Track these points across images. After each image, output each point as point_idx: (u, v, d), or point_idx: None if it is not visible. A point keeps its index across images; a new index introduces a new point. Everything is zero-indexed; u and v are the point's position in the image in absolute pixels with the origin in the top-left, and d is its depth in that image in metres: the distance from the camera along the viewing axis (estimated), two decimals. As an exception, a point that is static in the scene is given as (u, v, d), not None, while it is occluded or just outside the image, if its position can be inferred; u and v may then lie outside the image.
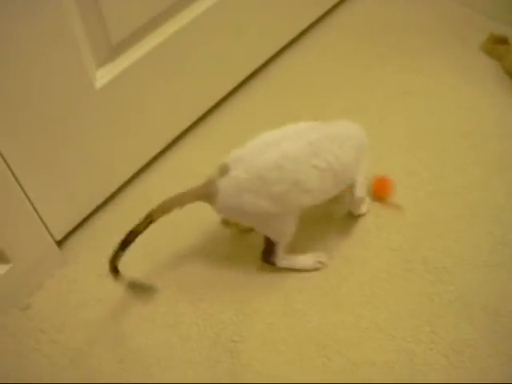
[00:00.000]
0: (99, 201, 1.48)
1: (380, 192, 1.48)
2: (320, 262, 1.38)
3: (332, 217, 1.43)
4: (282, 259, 1.35)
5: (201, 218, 1.43)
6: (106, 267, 1.30)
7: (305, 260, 1.38)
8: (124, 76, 1.32)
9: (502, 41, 1.80)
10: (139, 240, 1.20)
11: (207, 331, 1.31)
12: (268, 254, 1.34)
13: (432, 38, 1.90)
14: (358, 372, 1.24)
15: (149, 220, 1.20)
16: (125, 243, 1.20)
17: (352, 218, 1.47)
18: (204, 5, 1.44)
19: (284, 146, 1.21)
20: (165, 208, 1.21)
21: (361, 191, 1.36)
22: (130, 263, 1.24)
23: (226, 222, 1.40)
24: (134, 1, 1.25)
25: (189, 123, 1.63)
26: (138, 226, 1.20)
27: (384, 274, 1.37)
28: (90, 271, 1.41)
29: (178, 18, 1.40)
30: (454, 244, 1.41)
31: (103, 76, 1.29)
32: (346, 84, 1.69)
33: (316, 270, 1.39)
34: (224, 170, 1.20)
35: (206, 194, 1.22)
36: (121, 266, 1.22)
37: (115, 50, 1.29)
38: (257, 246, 1.38)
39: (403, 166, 1.55)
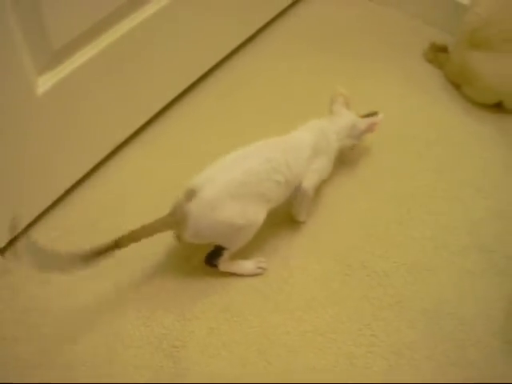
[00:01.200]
0: (42, 208, 1.47)
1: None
2: (260, 268, 1.40)
3: (272, 221, 1.43)
4: (226, 263, 1.36)
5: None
6: (48, 274, 1.31)
7: (246, 265, 1.40)
8: (66, 82, 1.32)
9: (442, 49, 1.84)
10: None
11: (149, 337, 1.31)
12: (213, 257, 1.36)
13: (377, 45, 1.94)
14: (298, 376, 1.25)
15: (115, 246, 1.22)
16: (84, 258, 1.20)
17: (292, 222, 1.48)
18: (148, 11, 1.45)
19: (246, 164, 1.31)
20: (133, 237, 1.24)
21: (309, 184, 1.39)
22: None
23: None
24: (74, 8, 1.26)
25: (134, 129, 1.63)
26: (102, 247, 1.21)
27: (324, 279, 1.39)
28: (33, 277, 1.39)
29: (121, 25, 1.40)
30: (394, 248, 1.43)
31: (45, 82, 1.29)
32: (294, 88, 1.71)
33: (256, 275, 1.40)
34: (190, 195, 1.25)
35: (175, 221, 1.27)
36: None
37: (57, 56, 1.29)
38: (196, 254, 1.40)
39: (344, 169, 1.57)
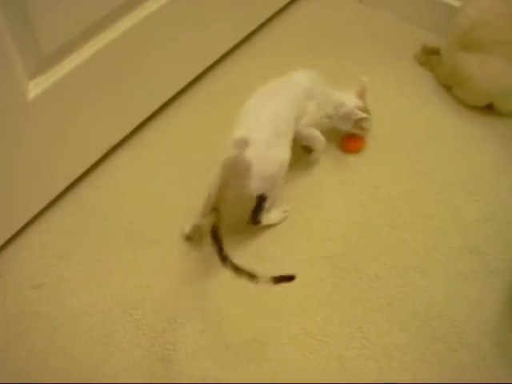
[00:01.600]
0: (33, 212, 1.47)
1: (352, 144, 1.60)
2: (285, 211, 1.47)
3: (266, 226, 1.45)
4: (265, 216, 1.42)
5: (137, 227, 1.45)
6: (41, 278, 1.33)
7: (275, 215, 1.47)
8: (57, 86, 1.32)
9: (434, 52, 1.84)
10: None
11: (140, 340, 1.31)
12: (256, 214, 1.40)
13: (367, 49, 1.95)
14: (289, 378, 1.25)
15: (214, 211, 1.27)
16: (217, 239, 1.25)
17: (284, 224, 1.49)
18: (137, 16, 1.46)
19: (270, 106, 1.40)
20: (211, 209, 1.29)
21: (306, 122, 1.48)
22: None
23: (194, 234, 1.44)
24: (64, 14, 1.26)
25: (126, 132, 1.63)
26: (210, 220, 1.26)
27: (316, 282, 1.39)
28: (25, 282, 1.40)
29: (111, 29, 1.41)
30: (385, 251, 1.44)
31: (36, 87, 1.29)
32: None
33: (285, 219, 1.47)
34: (243, 143, 1.30)
35: (236, 173, 1.30)
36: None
37: (47, 61, 1.29)
38: (187, 257, 1.42)
39: (336, 175, 1.58)
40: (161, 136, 1.68)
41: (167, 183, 1.56)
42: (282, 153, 1.37)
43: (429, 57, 1.86)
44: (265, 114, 1.38)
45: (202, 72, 1.81)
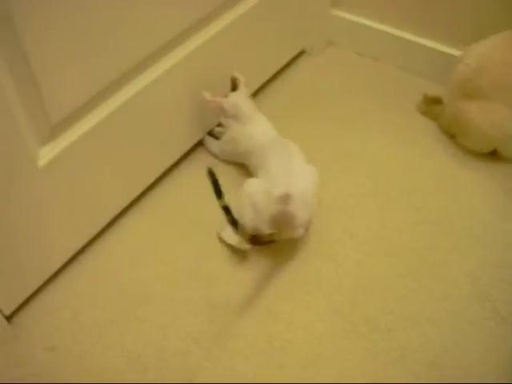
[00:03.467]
0: (48, 274, 1.48)
1: None
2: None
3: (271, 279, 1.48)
4: None
5: (150, 287, 1.47)
6: (54, 341, 1.36)
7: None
8: (67, 153, 1.34)
9: (436, 101, 1.86)
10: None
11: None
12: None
13: (369, 101, 1.97)
14: None
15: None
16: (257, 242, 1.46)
17: (292, 276, 1.51)
18: (143, 82, 1.49)
19: (296, 162, 1.55)
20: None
21: None
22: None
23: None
24: (72, 83, 1.29)
25: (135, 195, 1.66)
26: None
27: (327, 336, 1.39)
28: (39, 345, 1.40)
29: (117, 97, 1.44)
30: (395, 302, 1.44)
31: (46, 154, 1.31)
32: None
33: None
34: (287, 199, 1.43)
35: (283, 223, 1.45)
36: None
37: (57, 129, 1.32)
38: (202, 314, 1.42)
39: (344, 227, 1.59)
40: (171, 196, 1.70)
41: (179, 242, 1.58)
42: (315, 198, 1.51)
43: (431, 106, 1.88)
44: (299, 171, 1.51)
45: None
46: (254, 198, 1.48)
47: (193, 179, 1.74)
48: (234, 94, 1.68)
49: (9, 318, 1.42)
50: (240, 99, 1.67)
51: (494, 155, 1.74)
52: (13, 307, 1.43)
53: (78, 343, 1.40)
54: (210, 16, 1.63)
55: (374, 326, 1.40)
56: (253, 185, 1.52)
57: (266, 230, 1.45)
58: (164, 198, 1.70)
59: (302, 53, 2.17)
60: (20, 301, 1.44)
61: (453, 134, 1.80)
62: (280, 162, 1.53)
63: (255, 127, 1.66)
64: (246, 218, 1.47)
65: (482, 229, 1.59)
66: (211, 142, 1.80)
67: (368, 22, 2.08)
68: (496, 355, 1.35)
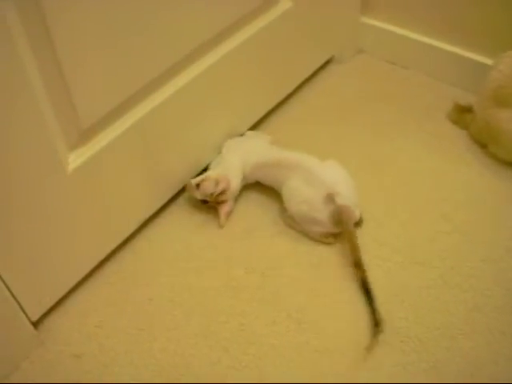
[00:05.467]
0: (75, 280, 1.48)
1: None
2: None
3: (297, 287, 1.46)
4: None
5: (178, 294, 1.45)
6: (81, 347, 1.35)
7: None
8: (96, 158, 1.34)
9: (467, 110, 1.84)
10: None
11: None
12: None
13: (399, 109, 1.96)
14: None
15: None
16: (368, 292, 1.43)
17: (324, 284, 1.50)
18: (173, 87, 1.49)
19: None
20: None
21: None
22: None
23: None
24: (101, 90, 1.29)
25: (164, 200, 1.65)
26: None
27: (357, 345, 1.37)
28: (66, 351, 1.40)
29: (147, 102, 1.44)
30: (427, 313, 1.42)
31: (75, 160, 1.31)
32: (316, 155, 1.71)
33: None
34: (332, 197, 1.48)
35: (341, 221, 1.49)
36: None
37: (86, 134, 1.32)
38: (231, 321, 1.41)
39: (374, 237, 1.57)
40: (199, 204, 1.69)
41: (208, 250, 1.57)
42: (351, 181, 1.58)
43: (462, 115, 1.86)
44: (331, 168, 1.57)
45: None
46: (302, 208, 1.54)
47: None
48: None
49: (35, 324, 1.42)
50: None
51: (526, 165, 1.71)
52: (40, 313, 1.42)
53: (105, 351, 1.39)
54: (239, 22, 1.62)
55: (405, 337, 1.38)
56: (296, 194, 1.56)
57: (331, 229, 1.53)
58: (193, 205, 1.69)
59: (331, 60, 2.16)
60: (47, 306, 1.44)
61: (484, 142, 1.77)
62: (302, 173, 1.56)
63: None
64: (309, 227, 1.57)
65: (515, 239, 1.55)
66: None
67: (398, 30, 2.06)
68: (530, 367, 1.32)
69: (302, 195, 1.53)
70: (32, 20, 1.08)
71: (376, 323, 1.37)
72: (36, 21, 1.08)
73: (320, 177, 1.52)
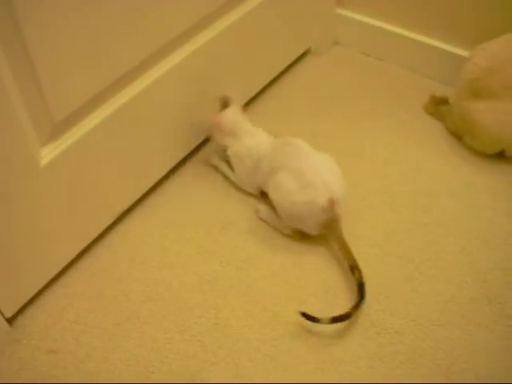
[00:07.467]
0: (50, 276, 1.47)
1: None
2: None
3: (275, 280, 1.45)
4: None
5: (153, 289, 1.45)
6: (57, 343, 1.35)
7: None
8: (69, 152, 1.33)
9: (443, 101, 1.85)
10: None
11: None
12: None
13: (375, 101, 1.96)
14: None
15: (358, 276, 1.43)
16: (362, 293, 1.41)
17: (298, 283, 1.49)
18: (147, 81, 1.48)
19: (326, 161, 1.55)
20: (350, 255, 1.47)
21: None
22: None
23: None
24: (74, 82, 1.28)
25: (138, 196, 1.65)
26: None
27: (335, 338, 1.38)
28: (42, 347, 1.39)
29: (120, 95, 1.42)
30: (403, 305, 1.42)
31: (47, 154, 1.30)
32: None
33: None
34: (332, 205, 1.45)
35: (332, 220, 1.48)
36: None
37: (59, 128, 1.30)
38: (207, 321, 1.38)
39: (351, 230, 1.55)
40: (175, 197, 1.69)
41: (182, 244, 1.56)
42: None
43: (438, 106, 1.87)
44: (318, 165, 1.51)
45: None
46: (297, 208, 1.49)
47: (196, 179, 1.74)
48: (228, 110, 1.67)
49: (10, 321, 1.41)
50: (236, 115, 1.67)
51: (501, 156, 1.73)
52: (14, 310, 1.41)
53: (81, 346, 1.38)
54: (213, 15, 1.62)
55: (381, 329, 1.38)
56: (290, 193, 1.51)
57: (313, 232, 1.52)
58: (167, 199, 1.69)
59: (307, 52, 2.16)
60: (21, 303, 1.43)
61: (460, 134, 1.78)
62: (297, 163, 1.51)
63: (251, 140, 1.65)
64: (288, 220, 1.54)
65: (491, 231, 1.57)
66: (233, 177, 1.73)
67: (374, 22, 2.06)
68: (505, 357, 1.33)
69: (300, 195, 1.48)
70: (0, 11, 1.06)
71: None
72: (4, 12, 1.07)
73: (321, 177, 1.48)
